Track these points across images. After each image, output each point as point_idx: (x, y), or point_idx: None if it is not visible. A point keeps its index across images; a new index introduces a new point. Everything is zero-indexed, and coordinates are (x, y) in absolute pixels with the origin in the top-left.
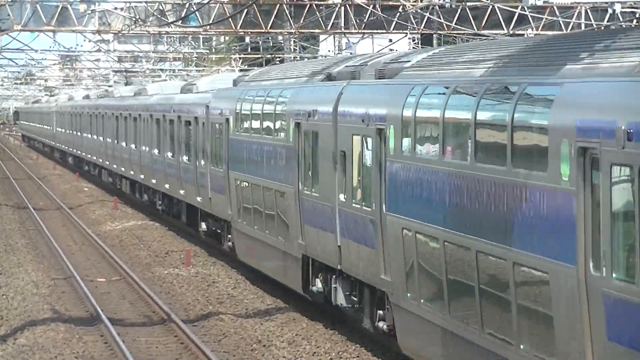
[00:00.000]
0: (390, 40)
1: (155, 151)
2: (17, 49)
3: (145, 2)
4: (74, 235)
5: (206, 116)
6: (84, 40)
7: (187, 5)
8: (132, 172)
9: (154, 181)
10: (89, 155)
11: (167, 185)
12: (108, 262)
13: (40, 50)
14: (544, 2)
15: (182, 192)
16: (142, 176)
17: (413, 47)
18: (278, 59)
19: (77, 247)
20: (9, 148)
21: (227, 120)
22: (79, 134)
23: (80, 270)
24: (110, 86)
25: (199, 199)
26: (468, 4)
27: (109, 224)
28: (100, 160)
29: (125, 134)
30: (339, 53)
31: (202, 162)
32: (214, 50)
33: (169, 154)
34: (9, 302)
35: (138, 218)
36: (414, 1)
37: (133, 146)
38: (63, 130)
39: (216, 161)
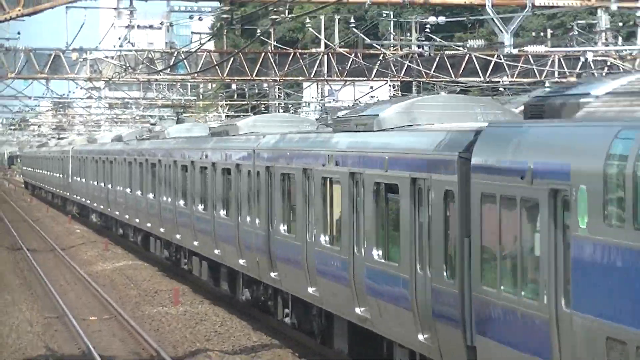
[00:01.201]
0: (371, 87)
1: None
2: (11, 96)
3: (135, 51)
4: (67, 276)
5: None
6: (76, 87)
7: (175, 54)
8: None
9: None
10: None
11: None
12: (99, 301)
13: (34, 97)
14: (518, 50)
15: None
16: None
17: (393, 94)
18: (263, 105)
19: (69, 287)
20: (4, 191)
21: None
22: (108, 186)
23: (72, 309)
24: (153, 124)
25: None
26: (446, 52)
27: (100, 264)
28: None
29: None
30: (322, 100)
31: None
32: (201, 97)
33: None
34: (3, 339)
35: (128, 258)
36: (394, 50)
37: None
38: (82, 180)
39: None
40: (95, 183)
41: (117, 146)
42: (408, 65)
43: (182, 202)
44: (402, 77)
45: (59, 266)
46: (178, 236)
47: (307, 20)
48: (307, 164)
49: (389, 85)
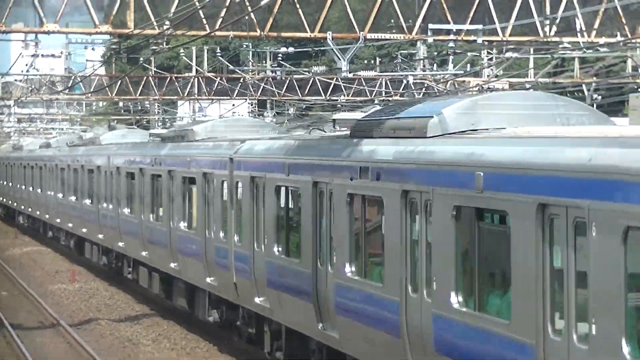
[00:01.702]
0: (233, 105)
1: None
2: None
3: (40, 75)
4: None
5: None
6: None
7: (72, 78)
8: None
9: None
10: None
11: None
12: (9, 279)
13: None
14: (353, 74)
15: None
16: None
17: (251, 111)
18: (145, 120)
19: None
20: None
21: None
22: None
23: None
24: (84, 130)
25: None
26: (294, 76)
27: (10, 249)
28: None
29: None
30: (193, 115)
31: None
32: (94, 112)
33: None
34: None
35: (33, 245)
36: (252, 74)
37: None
38: (8, 184)
39: None
40: (23, 187)
41: (47, 152)
42: (263, 86)
43: (127, 210)
44: (259, 97)
45: None
46: (121, 244)
47: (182, 50)
48: (321, 176)
49: (248, 103)
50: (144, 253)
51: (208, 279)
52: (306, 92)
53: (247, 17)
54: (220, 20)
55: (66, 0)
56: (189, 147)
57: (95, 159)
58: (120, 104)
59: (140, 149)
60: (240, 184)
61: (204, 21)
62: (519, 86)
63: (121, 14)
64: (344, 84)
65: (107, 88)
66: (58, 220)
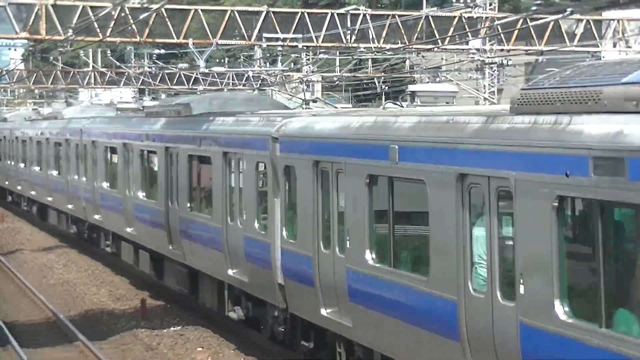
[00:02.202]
0: (121, 91)
1: None
2: None
3: None
4: None
5: None
6: None
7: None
8: None
9: None
10: None
11: None
12: None
13: None
14: (209, 70)
15: None
16: None
17: (133, 97)
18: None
19: None
20: None
21: None
22: None
23: None
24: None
25: None
26: (166, 71)
27: None
28: None
29: None
30: (91, 101)
31: None
32: (16, 97)
33: None
34: None
35: None
36: (134, 69)
37: None
38: None
39: None
40: (8, 162)
41: (6, 125)
42: (143, 79)
43: (105, 185)
44: (139, 86)
45: None
46: (97, 216)
47: (81, 52)
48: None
49: (132, 90)
50: (128, 229)
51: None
52: (174, 82)
53: (129, 27)
54: (110, 29)
55: None
56: (193, 122)
57: (64, 132)
58: (36, 91)
59: (124, 123)
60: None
61: (98, 30)
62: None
63: (35, 23)
64: (202, 77)
65: (26, 79)
66: (19, 188)
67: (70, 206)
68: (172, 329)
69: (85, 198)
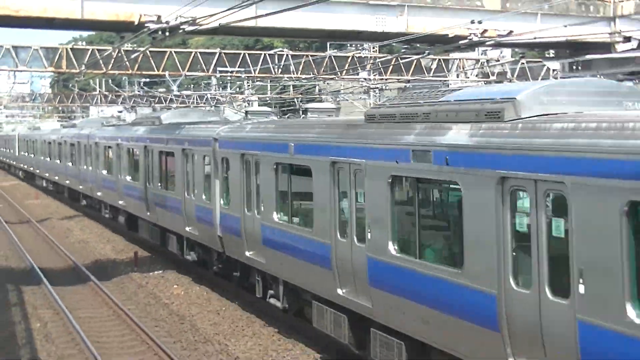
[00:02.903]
0: (120, 110)
1: None
2: None
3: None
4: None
5: None
6: None
7: (34, 94)
8: None
9: None
10: None
11: None
12: (4, 199)
13: None
14: (180, 93)
15: None
16: None
17: (120, 111)
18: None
19: None
20: None
21: None
22: None
23: None
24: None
25: None
26: (149, 94)
27: (3, 183)
28: None
29: None
30: (98, 115)
31: None
32: (45, 112)
33: None
34: None
35: (16, 180)
36: (128, 92)
37: None
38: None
39: None
40: (41, 157)
41: (83, 132)
42: (134, 99)
43: (104, 171)
44: (131, 105)
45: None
46: (99, 193)
47: (91, 81)
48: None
49: (125, 108)
50: (120, 202)
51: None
52: (155, 102)
53: (124, 63)
54: (110, 65)
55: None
56: (162, 129)
57: (80, 137)
58: (60, 108)
59: (117, 129)
60: None
61: (102, 65)
62: None
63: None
64: (175, 98)
65: (52, 100)
66: (56, 178)
67: (80, 187)
68: (155, 272)
69: (91, 180)
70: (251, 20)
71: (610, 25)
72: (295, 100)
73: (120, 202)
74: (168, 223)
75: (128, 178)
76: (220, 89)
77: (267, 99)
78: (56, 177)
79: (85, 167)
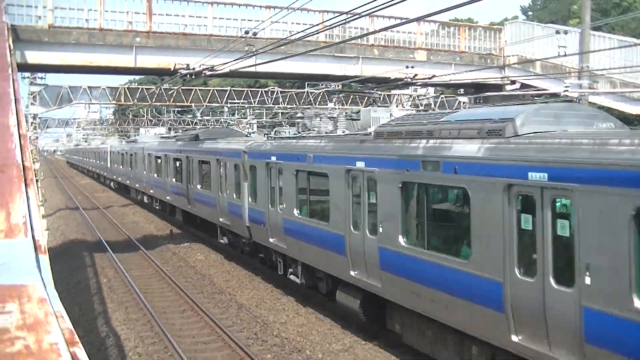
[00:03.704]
0: (163, 131)
1: None
2: None
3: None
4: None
5: None
6: None
7: (102, 120)
8: None
9: None
10: None
11: None
12: (83, 191)
13: None
14: (202, 118)
15: None
16: None
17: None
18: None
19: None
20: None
21: None
22: None
23: (81, 193)
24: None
25: None
26: (181, 118)
27: (81, 181)
28: None
29: None
30: (146, 133)
31: None
32: (109, 133)
33: None
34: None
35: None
36: (166, 117)
37: None
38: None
39: None
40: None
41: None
42: (170, 122)
43: (155, 175)
44: (168, 126)
45: (84, 187)
46: (151, 191)
47: (141, 109)
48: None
49: (165, 128)
50: (168, 197)
51: None
52: (185, 124)
53: (164, 97)
54: (154, 98)
55: (99, 93)
56: (200, 143)
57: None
58: (119, 129)
59: (164, 144)
60: None
61: (148, 98)
62: None
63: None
64: (199, 121)
65: (113, 123)
66: (138, 186)
67: (136, 185)
68: (185, 244)
69: (144, 181)
70: (252, 67)
71: (501, 72)
72: (283, 123)
73: (168, 197)
74: (206, 214)
75: (174, 180)
76: (230, 115)
77: (263, 122)
78: (119, 179)
79: (145, 172)
